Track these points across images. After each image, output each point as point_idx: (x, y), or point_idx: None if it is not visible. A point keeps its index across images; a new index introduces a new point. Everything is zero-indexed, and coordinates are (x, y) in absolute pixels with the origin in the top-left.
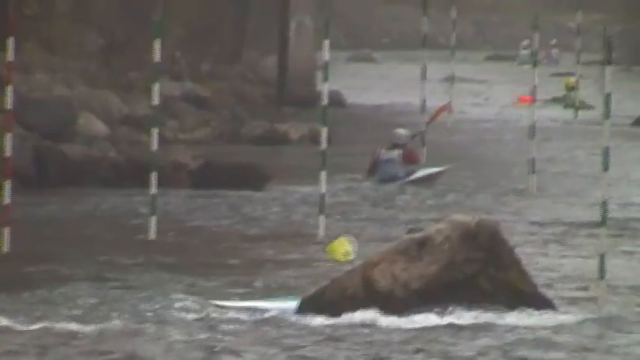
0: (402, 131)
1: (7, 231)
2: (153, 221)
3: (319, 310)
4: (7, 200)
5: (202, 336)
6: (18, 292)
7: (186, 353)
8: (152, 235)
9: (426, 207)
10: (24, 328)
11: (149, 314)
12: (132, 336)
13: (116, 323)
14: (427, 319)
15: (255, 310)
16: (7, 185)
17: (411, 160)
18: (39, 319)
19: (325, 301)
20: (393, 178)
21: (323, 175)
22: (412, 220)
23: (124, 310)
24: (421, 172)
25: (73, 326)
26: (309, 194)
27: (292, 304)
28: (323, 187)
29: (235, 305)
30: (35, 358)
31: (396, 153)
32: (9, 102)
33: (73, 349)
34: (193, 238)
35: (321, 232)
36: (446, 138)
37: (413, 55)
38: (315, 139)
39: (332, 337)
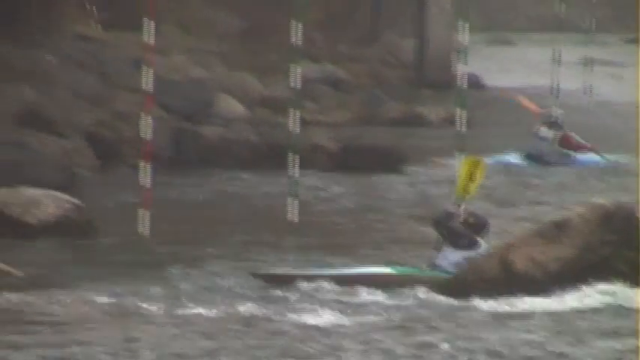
0: (558, 111)
1: (147, 214)
2: (292, 203)
3: (458, 293)
4: (145, 182)
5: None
6: (162, 273)
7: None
8: (292, 216)
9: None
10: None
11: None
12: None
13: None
14: (563, 300)
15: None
16: (146, 167)
17: (567, 144)
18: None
19: (464, 283)
20: (541, 157)
21: (460, 157)
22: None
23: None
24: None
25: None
26: (447, 176)
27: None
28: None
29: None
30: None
31: (552, 133)
32: (148, 84)
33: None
34: (332, 219)
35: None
36: (585, 120)
37: (550, 37)
38: (452, 121)
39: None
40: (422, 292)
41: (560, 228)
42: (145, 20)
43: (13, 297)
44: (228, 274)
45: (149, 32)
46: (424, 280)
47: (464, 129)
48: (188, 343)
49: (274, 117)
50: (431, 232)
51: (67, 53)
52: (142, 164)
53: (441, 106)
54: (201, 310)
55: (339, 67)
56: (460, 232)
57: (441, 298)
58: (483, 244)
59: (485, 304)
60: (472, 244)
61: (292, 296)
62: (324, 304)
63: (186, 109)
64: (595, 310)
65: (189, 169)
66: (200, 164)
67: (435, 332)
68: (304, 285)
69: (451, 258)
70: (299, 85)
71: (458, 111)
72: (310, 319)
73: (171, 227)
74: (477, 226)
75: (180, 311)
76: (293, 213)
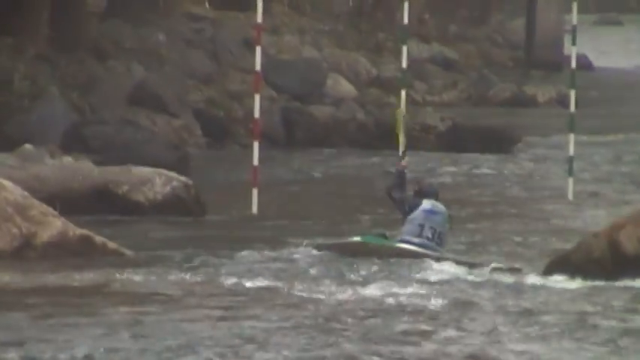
0: None
1: (256, 192)
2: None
3: (565, 273)
4: (255, 161)
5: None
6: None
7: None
8: None
9: None
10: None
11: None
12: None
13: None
14: None
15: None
16: (256, 146)
17: None
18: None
19: (572, 263)
20: None
21: (571, 137)
22: None
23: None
24: None
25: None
26: (557, 156)
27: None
28: (571, 150)
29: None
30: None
31: None
32: (258, 63)
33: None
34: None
35: (570, 195)
36: None
37: None
38: (562, 102)
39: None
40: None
41: None
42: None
43: (124, 276)
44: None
45: (259, 11)
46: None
47: (574, 109)
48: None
49: (384, 97)
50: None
51: (178, 32)
52: (252, 143)
53: (550, 86)
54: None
55: (448, 48)
56: (397, 198)
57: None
58: (435, 203)
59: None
60: (403, 207)
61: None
62: None
63: (296, 88)
64: None
65: (299, 148)
66: (310, 144)
67: None
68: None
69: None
70: (407, 65)
71: (568, 91)
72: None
73: (280, 205)
74: (424, 192)
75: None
76: None
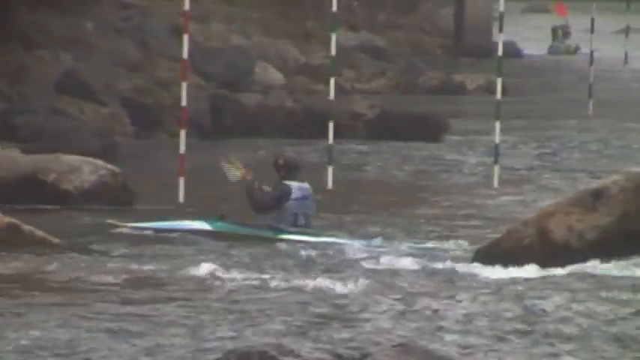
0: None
1: (182, 181)
2: (330, 171)
3: (494, 260)
4: (182, 150)
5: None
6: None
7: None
8: (329, 184)
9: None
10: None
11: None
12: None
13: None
14: (601, 268)
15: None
16: (183, 135)
17: None
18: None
19: (501, 251)
20: None
21: (497, 125)
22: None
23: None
24: None
25: None
26: (484, 144)
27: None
28: (497, 138)
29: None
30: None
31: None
32: (185, 51)
33: None
34: (367, 188)
35: (495, 182)
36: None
37: (587, 5)
38: (491, 89)
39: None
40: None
41: (595, 196)
42: None
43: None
44: None
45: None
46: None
47: (500, 96)
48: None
49: (313, 85)
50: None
51: (106, 20)
52: (179, 131)
53: (479, 73)
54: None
55: (377, 36)
56: (257, 200)
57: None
58: (302, 186)
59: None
60: (277, 203)
61: None
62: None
63: (224, 76)
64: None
65: (227, 136)
66: (238, 132)
67: None
68: None
69: (292, 210)
70: (336, 53)
71: (495, 79)
72: None
73: (206, 194)
74: (289, 167)
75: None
76: (329, 180)
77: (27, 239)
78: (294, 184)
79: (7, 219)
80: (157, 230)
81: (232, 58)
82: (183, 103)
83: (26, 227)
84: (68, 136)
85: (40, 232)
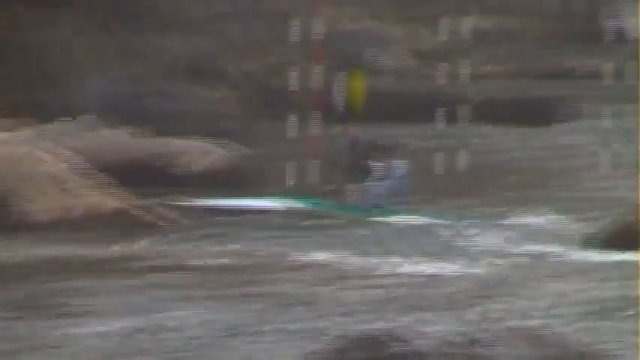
0: None
1: (316, 163)
2: (439, 156)
3: (611, 244)
4: (315, 132)
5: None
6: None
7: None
8: (441, 169)
9: None
10: None
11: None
12: None
13: None
14: None
15: None
16: (316, 117)
17: None
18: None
19: (617, 235)
20: None
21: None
22: None
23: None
24: None
25: None
26: (596, 128)
27: None
28: (608, 122)
29: None
30: None
31: None
32: (318, 33)
33: None
34: (485, 171)
35: (607, 167)
36: None
37: None
38: (600, 74)
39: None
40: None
41: None
42: None
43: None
44: None
45: None
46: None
47: (611, 81)
48: None
49: (425, 69)
50: None
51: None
52: (311, 113)
53: (590, 58)
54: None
55: (489, 20)
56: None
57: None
58: (400, 169)
59: None
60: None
61: None
62: None
63: (354, 59)
64: None
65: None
66: (368, 114)
67: None
68: None
69: (374, 191)
70: (451, 39)
71: (605, 63)
72: None
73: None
74: (386, 148)
75: None
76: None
77: (136, 223)
78: (398, 163)
79: (118, 202)
80: (242, 209)
81: (361, 41)
82: (317, 85)
83: (135, 212)
84: (197, 119)
85: (148, 217)
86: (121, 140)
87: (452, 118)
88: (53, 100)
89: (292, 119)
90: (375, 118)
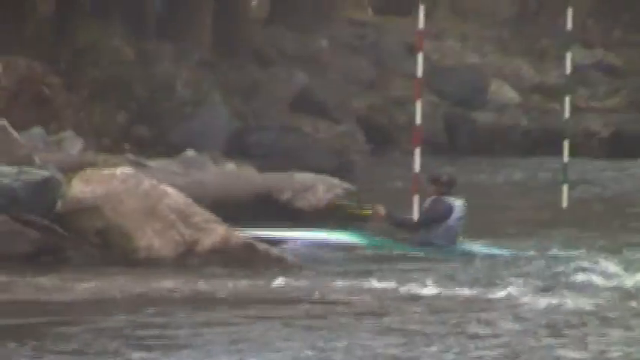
0: None
1: (416, 199)
2: (565, 189)
3: None
4: (417, 168)
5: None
6: None
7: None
8: (564, 202)
9: None
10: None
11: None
12: None
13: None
14: None
15: None
16: (417, 153)
17: None
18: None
19: None
20: None
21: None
22: None
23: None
24: None
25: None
26: None
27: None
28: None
29: None
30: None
31: None
32: (419, 69)
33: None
34: (602, 208)
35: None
36: None
37: None
38: None
39: None
40: None
41: None
42: (418, 5)
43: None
44: None
45: (421, 17)
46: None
47: None
48: None
49: (547, 103)
50: None
51: (340, 38)
52: (414, 149)
53: None
54: None
55: (612, 53)
56: (404, 223)
57: None
58: (457, 203)
59: None
60: (440, 219)
61: None
62: None
63: (459, 94)
64: None
65: (462, 155)
66: (473, 150)
67: None
68: None
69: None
70: (571, 71)
71: None
72: None
73: None
74: (450, 184)
75: None
76: (564, 199)
77: (262, 258)
78: (457, 202)
79: (243, 238)
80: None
81: (467, 76)
82: (418, 121)
83: (261, 246)
84: (302, 153)
85: (275, 251)
86: (245, 175)
87: (577, 152)
88: (173, 135)
89: (415, 154)
90: (502, 151)
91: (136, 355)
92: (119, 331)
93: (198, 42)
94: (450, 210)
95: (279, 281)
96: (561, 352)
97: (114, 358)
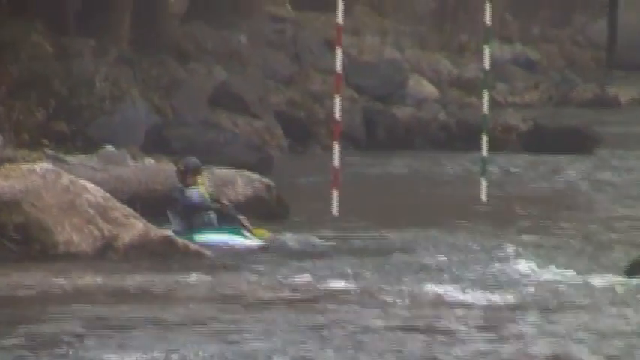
0: None
1: (336, 194)
2: (483, 184)
3: None
4: (336, 163)
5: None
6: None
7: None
8: (483, 198)
9: None
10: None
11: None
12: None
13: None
14: None
15: None
16: (336, 148)
17: None
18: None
19: None
20: None
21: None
22: None
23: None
24: None
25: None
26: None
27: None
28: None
29: None
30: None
31: None
32: (339, 64)
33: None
34: (520, 203)
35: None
36: None
37: None
38: None
39: None
40: None
41: None
42: (336, 0)
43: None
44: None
45: (340, 12)
46: None
47: None
48: None
49: (466, 98)
50: None
51: (259, 33)
52: (333, 144)
53: (632, 86)
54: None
55: (530, 49)
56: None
57: None
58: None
59: None
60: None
61: None
62: None
63: (378, 89)
64: None
65: (380, 149)
66: (392, 144)
67: None
68: None
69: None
70: (490, 66)
71: None
72: None
73: (360, 207)
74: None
75: None
76: (483, 194)
77: (181, 252)
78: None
79: (162, 232)
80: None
81: (385, 71)
82: (337, 116)
83: (180, 240)
84: (221, 149)
85: (193, 245)
86: (164, 169)
87: (495, 146)
88: (92, 130)
89: (334, 149)
90: (421, 146)
91: (55, 349)
92: (37, 326)
93: (117, 38)
94: (185, 198)
95: (195, 276)
96: (482, 346)
97: (31, 352)
